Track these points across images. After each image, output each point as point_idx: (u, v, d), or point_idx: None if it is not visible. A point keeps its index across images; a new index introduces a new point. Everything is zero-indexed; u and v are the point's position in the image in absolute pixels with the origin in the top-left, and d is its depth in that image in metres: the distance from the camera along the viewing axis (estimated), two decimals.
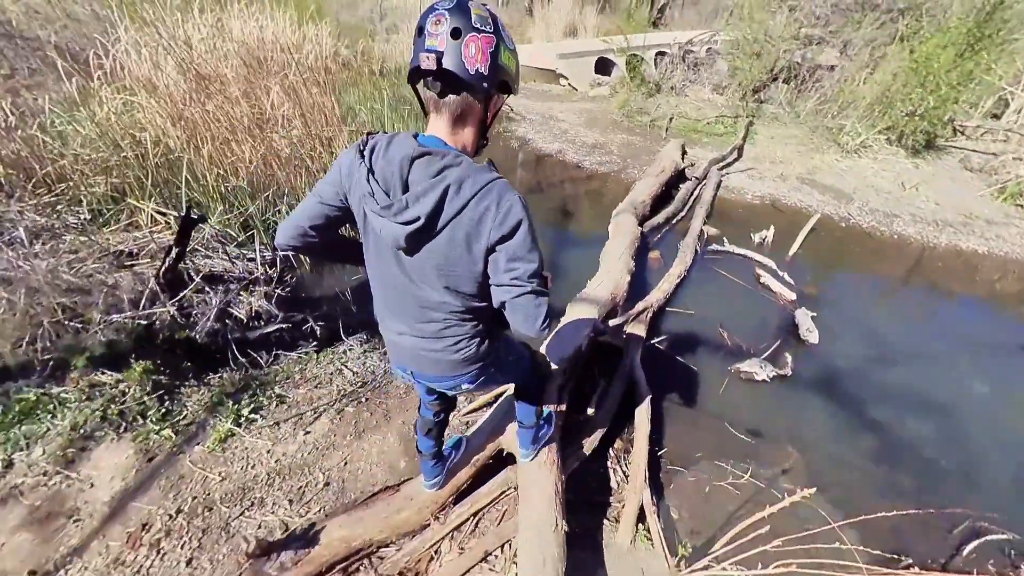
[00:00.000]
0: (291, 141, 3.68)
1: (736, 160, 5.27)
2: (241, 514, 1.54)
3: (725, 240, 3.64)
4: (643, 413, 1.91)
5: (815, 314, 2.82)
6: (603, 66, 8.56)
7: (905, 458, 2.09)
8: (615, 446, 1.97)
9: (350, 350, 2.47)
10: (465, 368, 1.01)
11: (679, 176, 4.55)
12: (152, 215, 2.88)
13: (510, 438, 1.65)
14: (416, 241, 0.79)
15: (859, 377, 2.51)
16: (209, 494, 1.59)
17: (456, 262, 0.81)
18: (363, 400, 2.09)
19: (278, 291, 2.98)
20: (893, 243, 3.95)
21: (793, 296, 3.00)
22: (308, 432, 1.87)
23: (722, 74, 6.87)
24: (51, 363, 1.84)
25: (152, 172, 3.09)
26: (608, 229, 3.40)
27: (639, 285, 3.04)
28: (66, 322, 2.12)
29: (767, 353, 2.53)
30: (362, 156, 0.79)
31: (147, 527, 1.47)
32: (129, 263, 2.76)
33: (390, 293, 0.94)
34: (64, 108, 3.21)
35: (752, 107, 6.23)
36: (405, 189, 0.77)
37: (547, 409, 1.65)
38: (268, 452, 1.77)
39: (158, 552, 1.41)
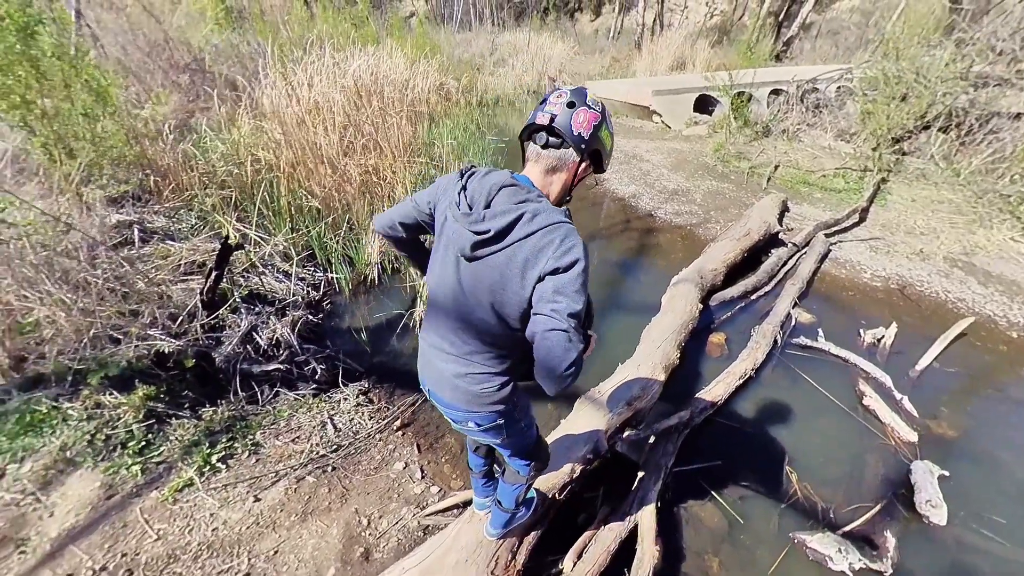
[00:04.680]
0: (365, 169, 3.89)
1: (856, 225, 4.25)
2: None
3: (820, 333, 2.84)
4: None
5: (947, 473, 1.96)
6: (704, 103, 7.84)
7: None
8: None
9: (345, 400, 2.36)
10: (480, 406, 1.03)
11: (771, 239, 3.78)
12: (231, 228, 3.16)
13: None
14: (481, 250, 0.89)
15: None
16: (138, 555, 1.52)
17: (508, 282, 0.88)
18: (329, 469, 1.92)
19: (309, 315, 3.05)
20: None
21: (914, 437, 2.14)
22: (259, 500, 1.74)
23: (851, 118, 5.75)
24: (72, 376, 1.99)
25: (241, 190, 3.48)
26: (661, 300, 2.88)
27: (687, 379, 2.47)
28: (111, 332, 2.33)
29: (856, 523, 1.79)
30: (461, 176, 0.96)
31: None
32: (187, 276, 3.04)
33: (441, 302, 1.00)
34: (215, 129, 3.85)
35: (888, 160, 5.05)
36: (487, 208, 0.89)
37: (532, 492, 1.55)
38: (212, 516, 1.67)
39: None
